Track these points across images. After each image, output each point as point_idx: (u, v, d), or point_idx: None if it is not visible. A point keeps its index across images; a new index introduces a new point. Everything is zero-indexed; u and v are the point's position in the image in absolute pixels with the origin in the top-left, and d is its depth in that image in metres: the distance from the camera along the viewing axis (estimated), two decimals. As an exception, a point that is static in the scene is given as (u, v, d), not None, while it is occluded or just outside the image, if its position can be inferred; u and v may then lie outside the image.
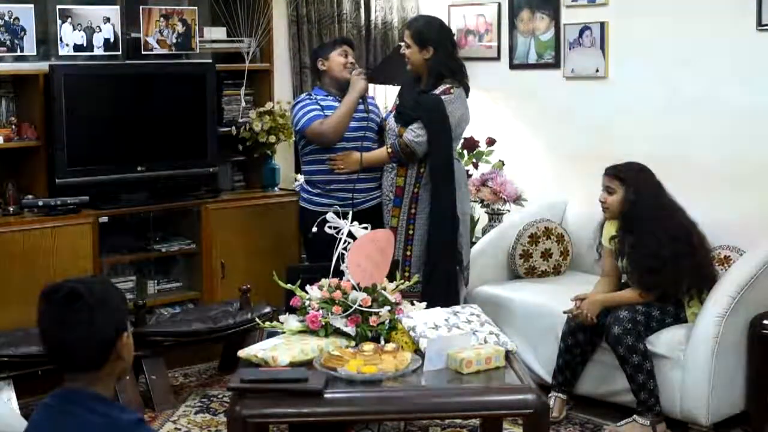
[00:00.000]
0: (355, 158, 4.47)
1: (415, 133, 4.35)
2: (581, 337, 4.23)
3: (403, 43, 4.55)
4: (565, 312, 4.23)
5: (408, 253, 4.44)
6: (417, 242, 4.42)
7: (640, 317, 4.05)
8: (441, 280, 4.32)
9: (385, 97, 5.76)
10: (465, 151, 5.56)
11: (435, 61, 4.39)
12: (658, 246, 4.05)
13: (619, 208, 4.19)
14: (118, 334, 2.13)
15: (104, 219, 4.76)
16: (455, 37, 4.83)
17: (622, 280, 4.29)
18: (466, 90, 4.48)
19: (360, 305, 3.27)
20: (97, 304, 2.07)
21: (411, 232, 4.43)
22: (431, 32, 4.43)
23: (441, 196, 4.36)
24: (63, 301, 2.06)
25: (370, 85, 5.78)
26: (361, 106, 4.53)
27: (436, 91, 4.38)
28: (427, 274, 4.31)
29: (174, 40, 5.13)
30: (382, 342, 3.26)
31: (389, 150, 4.43)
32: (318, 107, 4.52)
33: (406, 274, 4.31)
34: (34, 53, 4.72)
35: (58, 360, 2.11)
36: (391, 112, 4.61)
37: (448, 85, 4.39)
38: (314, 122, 4.48)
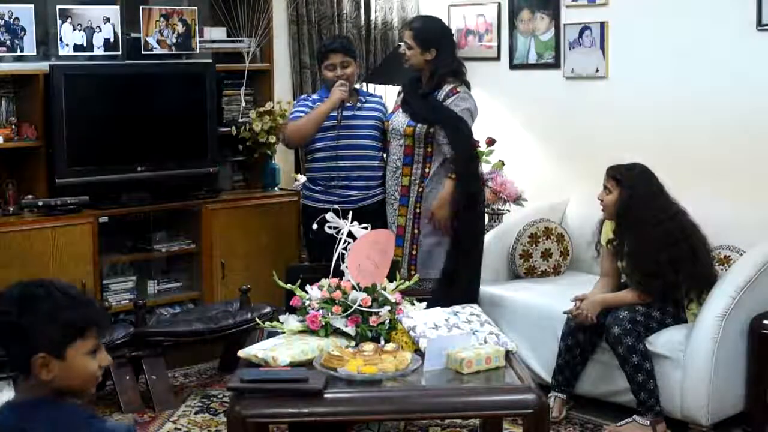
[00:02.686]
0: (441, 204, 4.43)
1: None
2: (581, 337, 4.23)
3: (403, 44, 4.53)
4: (565, 312, 4.24)
5: (414, 252, 4.45)
6: (423, 242, 4.43)
7: (639, 317, 4.05)
8: (463, 283, 4.36)
9: (385, 96, 5.75)
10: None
11: (437, 63, 4.40)
12: (656, 250, 4.04)
13: (614, 209, 4.19)
14: (28, 353, 2.04)
15: (104, 219, 4.76)
16: (455, 37, 4.83)
17: (622, 280, 4.29)
18: (468, 86, 4.50)
19: (360, 305, 3.27)
20: (5, 313, 2.05)
21: (417, 231, 4.45)
22: (434, 33, 4.45)
23: (469, 204, 4.39)
24: None
25: (376, 86, 5.81)
26: (335, 114, 4.50)
27: (442, 93, 4.38)
28: (449, 277, 4.33)
29: (174, 40, 5.13)
30: (382, 342, 3.25)
31: (452, 176, 4.40)
32: (308, 108, 4.55)
33: (413, 272, 4.31)
34: (34, 53, 4.72)
35: None
36: (393, 112, 4.60)
37: (452, 85, 4.40)
38: (289, 122, 4.56)
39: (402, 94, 4.62)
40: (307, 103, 4.62)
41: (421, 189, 4.44)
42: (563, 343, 4.27)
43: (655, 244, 4.05)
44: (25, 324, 2.04)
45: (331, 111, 4.48)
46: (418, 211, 4.46)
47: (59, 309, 2.06)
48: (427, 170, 4.43)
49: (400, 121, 4.48)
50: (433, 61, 4.41)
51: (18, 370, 2.10)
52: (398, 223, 4.49)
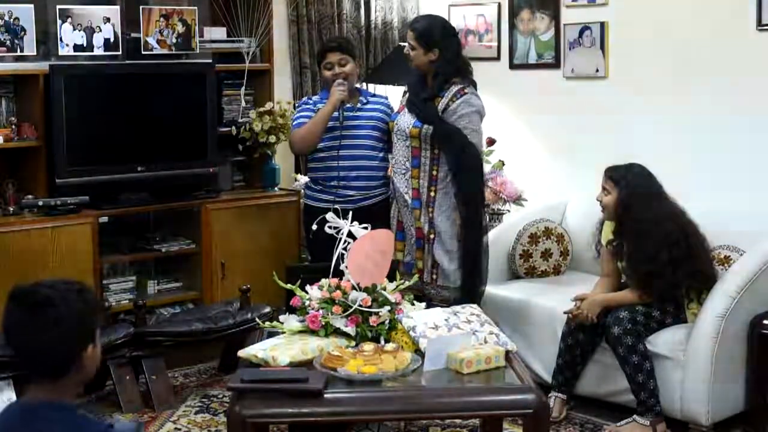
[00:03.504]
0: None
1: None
2: (581, 337, 4.23)
3: (406, 45, 4.48)
4: (565, 312, 4.24)
5: (435, 258, 4.32)
6: (437, 246, 4.31)
7: (639, 317, 4.05)
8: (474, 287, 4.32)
9: (388, 97, 5.74)
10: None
11: (441, 63, 4.29)
12: (656, 251, 4.04)
13: (613, 209, 4.18)
14: (83, 347, 2.08)
15: (104, 219, 4.76)
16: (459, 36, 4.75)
17: (622, 280, 4.29)
18: (474, 86, 4.38)
19: (360, 305, 3.27)
20: (65, 314, 2.03)
21: (432, 236, 4.30)
22: (436, 33, 4.33)
23: (472, 219, 4.29)
24: (31, 307, 2.03)
25: (376, 86, 5.79)
26: (336, 114, 4.48)
27: (449, 94, 4.27)
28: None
29: (174, 40, 5.13)
30: (382, 342, 3.25)
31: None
32: (311, 112, 4.53)
33: (434, 277, 4.23)
34: (34, 53, 4.72)
35: (22, 363, 2.10)
36: (398, 112, 4.53)
37: (460, 86, 4.29)
38: (294, 130, 4.57)
39: (407, 94, 4.56)
40: (308, 106, 4.61)
41: (433, 193, 4.32)
42: (563, 343, 4.27)
43: (655, 244, 4.05)
44: (82, 316, 2.06)
45: (333, 112, 4.47)
46: (431, 215, 4.30)
47: (91, 298, 2.12)
48: (434, 173, 4.29)
49: (405, 121, 4.37)
50: (437, 62, 4.31)
51: (54, 372, 2.07)
52: (417, 226, 4.34)
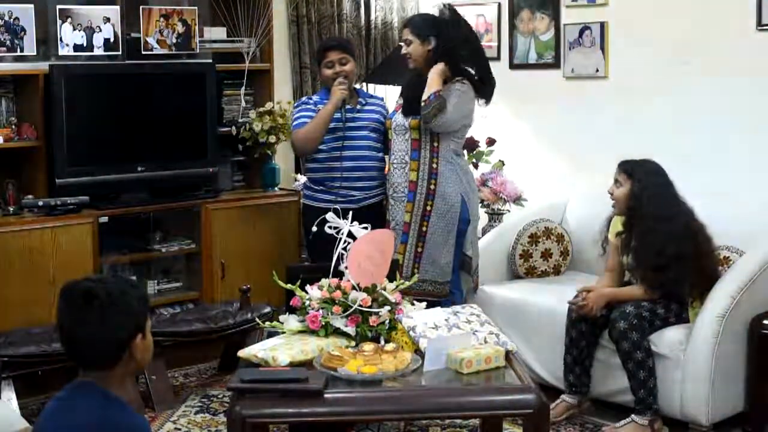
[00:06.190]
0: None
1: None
2: (584, 328, 4.20)
3: (402, 44, 4.48)
4: (569, 302, 4.21)
5: (419, 250, 4.35)
6: (429, 240, 4.34)
7: (645, 313, 4.04)
8: None
9: (386, 97, 5.74)
10: (465, 151, 5.55)
11: (439, 48, 4.29)
12: (662, 245, 4.03)
13: (624, 202, 4.17)
14: (132, 336, 2.14)
15: (104, 219, 4.76)
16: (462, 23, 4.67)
17: (625, 278, 4.29)
18: (474, 86, 4.33)
19: (360, 305, 3.27)
20: (111, 305, 2.09)
21: (425, 229, 4.33)
22: (430, 22, 4.37)
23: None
24: (77, 300, 2.10)
25: (376, 86, 5.80)
26: (338, 115, 4.47)
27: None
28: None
29: (174, 40, 5.13)
30: (382, 342, 3.25)
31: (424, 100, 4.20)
32: (312, 112, 4.51)
33: (416, 271, 4.24)
34: (34, 53, 4.72)
35: (71, 356, 2.16)
36: (395, 111, 4.51)
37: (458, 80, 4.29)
38: (295, 130, 4.54)
39: (404, 94, 4.54)
40: (309, 106, 4.58)
41: (433, 186, 4.34)
42: (568, 336, 4.23)
43: (663, 238, 4.04)
44: (126, 307, 2.12)
45: (335, 111, 4.46)
46: (429, 208, 4.33)
47: (136, 289, 2.18)
48: (434, 166, 4.32)
49: (403, 115, 4.40)
50: (434, 51, 4.31)
51: (104, 362, 2.12)
52: (404, 220, 4.37)
